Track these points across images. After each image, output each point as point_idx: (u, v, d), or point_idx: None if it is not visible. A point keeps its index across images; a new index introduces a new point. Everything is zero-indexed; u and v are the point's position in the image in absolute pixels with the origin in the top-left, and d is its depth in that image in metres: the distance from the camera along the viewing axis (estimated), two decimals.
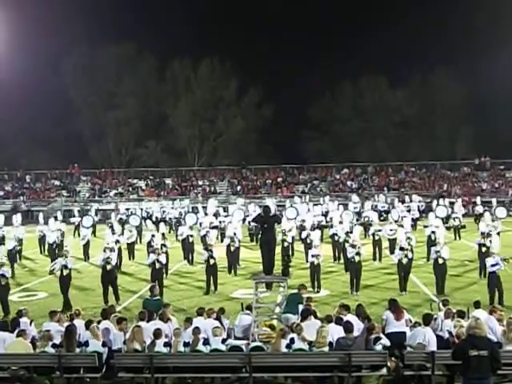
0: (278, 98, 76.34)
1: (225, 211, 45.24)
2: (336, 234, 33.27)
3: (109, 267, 25.68)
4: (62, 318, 17.58)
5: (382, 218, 46.84)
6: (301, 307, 17.71)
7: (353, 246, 26.79)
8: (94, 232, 43.74)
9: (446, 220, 40.86)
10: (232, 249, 31.68)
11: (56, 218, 41.86)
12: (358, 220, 41.45)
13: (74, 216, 49.02)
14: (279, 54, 76.69)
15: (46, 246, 38.43)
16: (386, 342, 15.54)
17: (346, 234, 31.28)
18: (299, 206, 43.35)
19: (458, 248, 35.96)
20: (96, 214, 53.05)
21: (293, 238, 34.13)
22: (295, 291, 19.10)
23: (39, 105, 74.44)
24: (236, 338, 16.97)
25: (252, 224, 38.46)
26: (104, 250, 26.22)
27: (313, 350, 15.53)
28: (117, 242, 31.20)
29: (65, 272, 24.91)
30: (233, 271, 31.52)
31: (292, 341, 15.60)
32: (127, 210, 53.78)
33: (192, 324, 16.80)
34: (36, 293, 28.02)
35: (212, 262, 27.24)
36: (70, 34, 73.41)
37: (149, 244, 32.63)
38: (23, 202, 68.99)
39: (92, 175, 77.54)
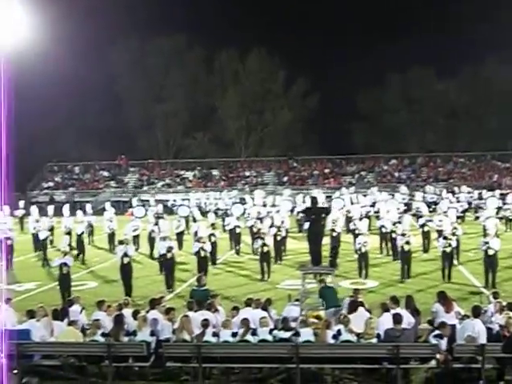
0: (325, 89, 75.67)
1: (272, 202, 45.17)
2: (383, 226, 33.04)
3: (169, 255, 26.12)
4: (111, 308, 17.72)
5: (430, 210, 46.40)
6: (347, 300, 17.66)
7: (402, 235, 26.73)
8: None
9: (497, 211, 40.32)
10: (278, 238, 31.71)
11: (104, 209, 42.24)
12: (405, 211, 41.12)
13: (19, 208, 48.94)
14: (327, 45, 76.31)
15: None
16: (443, 342, 15.26)
17: (394, 223, 31.09)
18: (346, 196, 43.20)
19: (509, 239, 35.40)
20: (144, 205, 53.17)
21: (341, 228, 34.05)
22: (328, 285, 18.89)
23: (88, 97, 75.07)
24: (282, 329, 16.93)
25: (300, 215, 38.44)
26: (164, 239, 26.65)
27: (360, 341, 15.45)
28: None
29: (125, 260, 25.12)
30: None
31: (339, 332, 15.51)
32: (175, 200, 54.04)
33: (239, 313, 16.85)
34: (86, 282, 28.32)
35: (265, 249, 27.49)
36: (119, 26, 73.78)
37: (196, 234, 32.81)
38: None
39: (140, 166, 78.10)
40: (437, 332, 15.23)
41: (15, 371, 14.97)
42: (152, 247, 34.34)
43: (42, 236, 34.40)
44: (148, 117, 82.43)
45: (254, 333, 15.85)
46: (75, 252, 32.79)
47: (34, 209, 40.69)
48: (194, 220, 40.62)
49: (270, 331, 15.93)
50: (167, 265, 26.61)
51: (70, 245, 27.71)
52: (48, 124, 72.73)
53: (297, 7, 79.45)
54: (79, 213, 41.41)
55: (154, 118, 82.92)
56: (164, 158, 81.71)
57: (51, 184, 74.83)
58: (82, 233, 36.07)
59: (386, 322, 15.74)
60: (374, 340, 15.40)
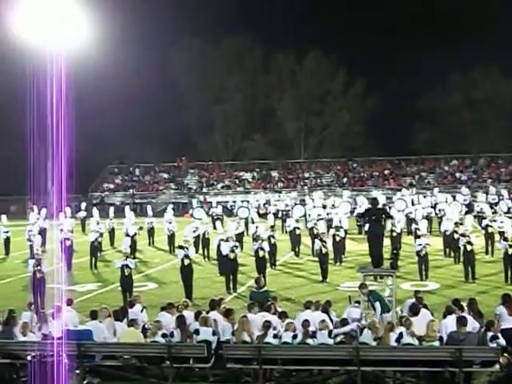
0: (384, 90, 75.06)
1: (332, 203, 44.93)
2: (446, 228, 32.58)
3: (232, 256, 26.17)
4: (173, 309, 17.77)
5: (492, 211, 45.69)
6: (408, 302, 17.46)
7: (464, 236, 26.41)
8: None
9: None
10: (337, 239, 31.55)
11: (165, 211, 42.57)
12: (467, 213, 40.56)
13: (81, 210, 49.44)
14: (386, 45, 75.58)
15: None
16: (502, 341, 15.02)
17: (456, 224, 30.69)
18: (407, 198, 42.80)
19: None
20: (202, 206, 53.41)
21: (401, 229, 33.74)
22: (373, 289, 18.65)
23: (148, 99, 75.72)
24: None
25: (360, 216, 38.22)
26: (226, 240, 26.67)
27: (423, 344, 15.25)
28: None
29: (186, 262, 25.20)
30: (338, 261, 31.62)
31: (401, 335, 15.34)
32: (234, 202, 54.19)
33: (299, 316, 16.82)
34: (146, 284, 28.52)
35: (324, 250, 27.41)
36: (179, 29, 74.38)
37: (254, 235, 32.82)
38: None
39: (199, 168, 78.53)
40: (491, 334, 15.01)
41: (77, 371, 15.11)
42: (207, 249, 34.58)
43: (92, 238, 34.76)
44: (207, 118, 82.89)
45: (314, 335, 15.77)
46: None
47: (95, 210, 41.14)
48: (253, 221, 40.67)
49: (329, 334, 15.82)
50: (230, 265, 26.54)
51: (131, 246, 27.95)
52: (109, 126, 73.44)
53: (356, 7, 79.08)
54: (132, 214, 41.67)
55: (214, 120, 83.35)
56: (223, 159, 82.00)
57: (112, 186, 75.73)
58: (135, 234, 36.30)
59: (449, 324, 15.50)
60: (437, 343, 15.18)
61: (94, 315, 17.04)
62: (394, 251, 27.09)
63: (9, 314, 17.54)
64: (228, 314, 16.92)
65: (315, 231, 31.97)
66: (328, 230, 32.43)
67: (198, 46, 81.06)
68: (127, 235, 34.16)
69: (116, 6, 64.03)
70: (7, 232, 38.72)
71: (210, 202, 53.04)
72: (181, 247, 26.03)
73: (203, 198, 61.09)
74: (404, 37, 74.93)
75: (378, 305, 17.49)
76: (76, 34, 19.66)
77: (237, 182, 74.43)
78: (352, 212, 41.51)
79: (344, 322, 16.50)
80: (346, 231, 33.19)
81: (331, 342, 15.75)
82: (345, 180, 71.67)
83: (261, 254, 26.91)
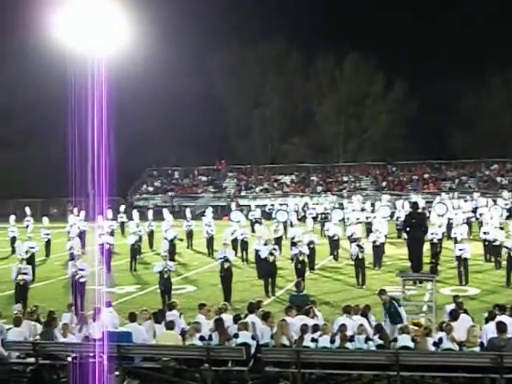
0: (424, 93, 74.59)
1: (370, 207, 44.74)
2: (486, 233, 32.23)
3: (271, 259, 26.18)
4: (210, 312, 17.81)
5: None
6: (448, 307, 17.28)
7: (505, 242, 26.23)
8: None
9: None
10: (377, 243, 31.39)
11: (204, 214, 42.72)
12: (508, 217, 40.16)
13: (120, 213, 49.44)
14: (425, 48, 75.16)
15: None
16: None
17: (497, 230, 30.39)
18: (447, 202, 42.49)
19: None
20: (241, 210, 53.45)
21: (442, 234, 33.46)
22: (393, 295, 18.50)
23: (188, 102, 76.03)
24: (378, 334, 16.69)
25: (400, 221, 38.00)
26: (265, 244, 26.76)
27: (463, 349, 15.10)
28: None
29: (226, 265, 25.24)
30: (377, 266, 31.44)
31: (440, 340, 15.21)
32: (272, 205, 54.21)
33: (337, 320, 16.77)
34: (185, 286, 28.60)
35: (361, 255, 27.27)
36: (218, 33, 74.62)
37: (293, 239, 32.78)
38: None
39: (238, 171, 78.69)
40: None
41: (116, 373, 15.19)
42: (246, 252, 34.71)
43: (131, 240, 34.94)
44: (246, 122, 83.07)
45: (352, 339, 15.70)
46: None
47: (135, 213, 41.38)
48: (292, 225, 40.61)
49: (366, 340, 15.73)
50: (269, 269, 26.53)
51: (170, 249, 28.05)
52: (149, 129, 74.02)
53: (394, 10, 78.64)
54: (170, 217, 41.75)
55: (252, 124, 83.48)
56: (262, 162, 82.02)
57: (151, 189, 76.17)
58: (174, 238, 36.40)
59: (491, 330, 15.33)
60: (477, 349, 15.03)
61: (133, 317, 17.13)
62: (434, 256, 26.98)
63: (49, 315, 17.71)
64: (266, 317, 16.90)
65: (353, 235, 31.85)
66: (367, 235, 32.24)
67: (235, 50, 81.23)
68: (166, 238, 34.31)
69: (156, 12, 64.49)
70: (48, 234, 39.08)
71: (248, 206, 53.08)
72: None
73: (236, 202, 61.00)
74: (444, 38, 74.52)
75: (402, 310, 17.36)
76: (117, 39, 19.79)
77: (275, 185, 74.44)
78: (391, 216, 41.28)
79: (381, 327, 16.38)
80: (385, 236, 32.97)
81: (367, 346, 15.66)
82: (384, 184, 71.33)
83: (300, 258, 26.86)
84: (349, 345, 15.61)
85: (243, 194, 72.79)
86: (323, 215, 46.34)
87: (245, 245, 35.05)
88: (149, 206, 65.74)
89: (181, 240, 38.76)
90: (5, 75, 71.47)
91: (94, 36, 18.93)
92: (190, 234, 41.50)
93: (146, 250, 39.39)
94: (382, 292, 18.06)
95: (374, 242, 31.26)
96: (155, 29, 61.95)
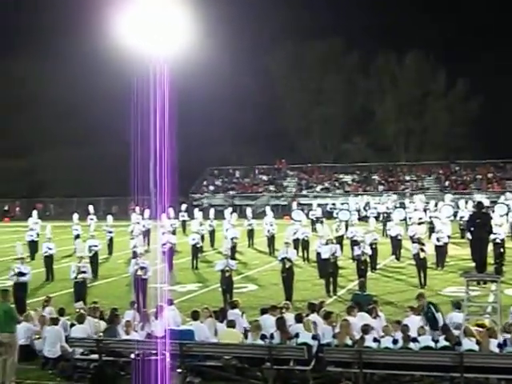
0: (487, 90, 73.43)
1: (433, 207, 44.21)
2: None
3: (332, 259, 26.21)
4: (275, 311, 17.76)
5: None
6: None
7: None
8: None
9: None
10: (440, 244, 31.01)
11: (264, 213, 42.79)
12: None
13: (181, 211, 49.43)
14: (488, 45, 74.03)
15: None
16: None
17: None
18: (510, 202, 41.80)
19: None
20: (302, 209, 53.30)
21: (505, 234, 32.90)
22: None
23: (248, 102, 76.30)
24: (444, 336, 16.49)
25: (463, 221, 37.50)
26: (326, 243, 26.69)
27: None
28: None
29: (287, 264, 25.20)
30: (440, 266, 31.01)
31: (505, 342, 14.95)
32: (333, 204, 54.05)
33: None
34: (246, 285, 28.63)
35: (422, 255, 26.99)
36: (276, 32, 74.71)
37: (353, 238, 32.61)
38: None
39: (299, 170, 78.59)
40: None
41: (179, 370, 15.27)
42: (307, 251, 34.59)
43: (193, 239, 35.10)
44: (306, 121, 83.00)
45: (415, 340, 15.53)
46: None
47: (197, 212, 41.58)
48: (353, 224, 40.40)
49: (433, 341, 15.55)
50: (330, 268, 26.38)
51: (232, 248, 28.14)
52: (210, 129, 74.43)
53: (456, 7, 77.63)
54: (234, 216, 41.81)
55: (312, 123, 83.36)
56: (323, 161, 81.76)
57: (212, 188, 76.55)
58: (235, 237, 36.42)
59: None
60: None
61: (195, 315, 17.22)
62: (499, 256, 26.52)
63: (112, 312, 17.90)
64: (328, 316, 16.84)
65: (415, 235, 31.52)
66: (430, 234, 31.85)
67: (294, 48, 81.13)
68: (227, 237, 34.40)
69: (216, 12, 64.77)
70: (111, 232, 39.57)
71: (309, 205, 52.98)
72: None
73: (295, 202, 60.88)
74: (507, 36, 73.28)
75: (439, 316, 17.09)
76: (179, 38, 19.94)
77: (336, 184, 74.16)
78: (454, 216, 40.75)
79: (445, 328, 16.18)
80: (448, 236, 32.55)
81: (434, 345, 15.48)
82: (447, 183, 70.51)
83: (363, 257, 26.70)
84: (412, 345, 15.46)
85: (304, 192, 72.64)
86: (385, 215, 46.01)
87: (305, 244, 34.96)
88: (210, 204, 66.02)
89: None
90: (69, 73, 72.72)
91: (157, 35, 19.10)
92: (251, 233, 41.60)
93: (208, 248, 39.58)
94: (420, 297, 17.91)
95: (437, 241, 30.89)
96: (215, 28, 62.31)
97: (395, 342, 15.60)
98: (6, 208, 77.23)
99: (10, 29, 73.54)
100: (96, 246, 31.80)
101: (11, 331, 15.70)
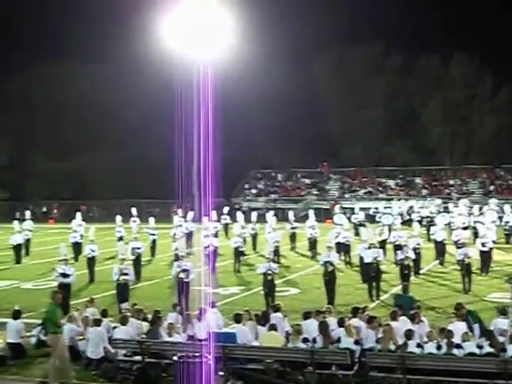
0: None
1: (478, 212, 43.75)
2: None
3: (375, 263, 26.14)
4: (318, 316, 17.70)
5: None
6: None
7: None
8: None
9: None
10: (484, 249, 30.67)
11: (307, 216, 42.72)
12: None
13: (223, 214, 49.37)
14: None
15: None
16: None
17: None
18: None
19: None
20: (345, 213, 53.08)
21: None
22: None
23: (291, 105, 76.12)
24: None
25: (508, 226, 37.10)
26: (369, 247, 26.75)
27: None
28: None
29: (329, 268, 25.12)
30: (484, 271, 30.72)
31: None
32: (376, 208, 53.82)
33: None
34: (288, 289, 28.58)
35: (467, 260, 26.75)
36: (320, 35, 74.46)
37: (395, 243, 32.42)
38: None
39: (341, 174, 78.34)
40: None
41: (221, 373, 15.28)
42: (349, 255, 34.54)
43: (235, 242, 35.15)
44: (348, 124, 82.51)
45: (459, 346, 15.37)
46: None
47: (239, 215, 41.59)
48: (396, 229, 40.17)
49: (478, 347, 15.38)
50: (373, 273, 26.26)
51: (274, 251, 28.12)
52: (252, 132, 74.43)
53: (502, 10, 76.68)
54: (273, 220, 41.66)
55: (355, 126, 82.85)
56: (365, 165, 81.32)
57: (254, 191, 76.61)
58: (276, 241, 36.32)
59: None
60: None
61: (238, 318, 17.23)
62: None
63: (155, 314, 18.00)
64: (371, 321, 16.75)
65: (459, 240, 31.24)
66: (474, 239, 31.56)
67: (336, 50, 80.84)
68: (269, 241, 34.38)
69: (260, 15, 64.78)
70: (154, 235, 39.76)
71: (352, 208, 52.82)
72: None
73: (331, 204, 60.68)
74: None
75: (476, 327, 16.86)
76: (223, 41, 19.95)
77: (379, 188, 73.77)
78: (499, 220, 40.29)
79: (490, 334, 15.99)
80: (493, 241, 32.18)
81: (478, 351, 15.31)
82: (491, 188, 69.74)
83: (406, 262, 26.47)
84: (456, 351, 15.31)
85: (347, 196, 72.40)
86: (428, 219, 45.63)
87: (347, 248, 34.83)
88: (249, 207, 66.05)
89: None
90: (112, 75, 73.27)
91: (201, 38, 19.12)
92: (293, 237, 41.54)
93: (250, 251, 39.59)
94: (459, 307, 17.71)
95: (482, 246, 30.57)
96: (260, 31, 62.27)
97: (439, 347, 15.46)
98: (44, 210, 77.90)
99: (55, 31, 74.27)
100: (139, 248, 32.01)
101: (52, 332, 15.84)
